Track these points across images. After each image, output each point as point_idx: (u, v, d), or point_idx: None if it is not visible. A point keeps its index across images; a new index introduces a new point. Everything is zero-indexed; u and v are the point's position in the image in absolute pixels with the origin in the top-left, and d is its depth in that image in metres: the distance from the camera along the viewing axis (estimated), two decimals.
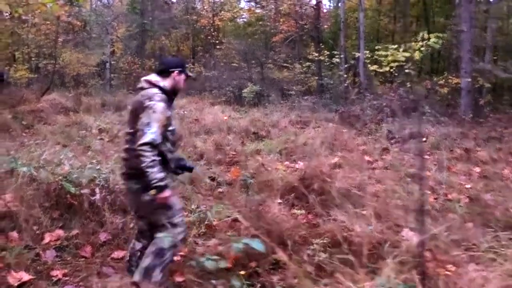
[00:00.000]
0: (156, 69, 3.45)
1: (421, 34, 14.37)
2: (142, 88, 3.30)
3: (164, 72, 3.37)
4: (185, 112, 14.09)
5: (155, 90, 3.23)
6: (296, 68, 21.79)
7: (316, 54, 17.96)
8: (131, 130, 3.19)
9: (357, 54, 16.93)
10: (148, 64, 25.75)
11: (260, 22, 28.33)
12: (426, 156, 9.16)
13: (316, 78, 22.10)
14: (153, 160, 3.01)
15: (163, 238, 3.11)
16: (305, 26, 24.06)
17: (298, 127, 12.97)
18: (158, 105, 3.10)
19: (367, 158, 8.47)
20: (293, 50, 25.19)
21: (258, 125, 12.66)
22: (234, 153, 9.04)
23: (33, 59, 22.50)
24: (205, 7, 28.71)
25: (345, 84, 17.83)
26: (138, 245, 3.44)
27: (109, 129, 10.67)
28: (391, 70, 15.28)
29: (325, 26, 24.97)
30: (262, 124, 12.56)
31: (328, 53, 19.16)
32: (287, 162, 7.72)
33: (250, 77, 20.18)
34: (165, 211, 3.22)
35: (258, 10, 29.32)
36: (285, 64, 22.96)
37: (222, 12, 28.31)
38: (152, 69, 25.76)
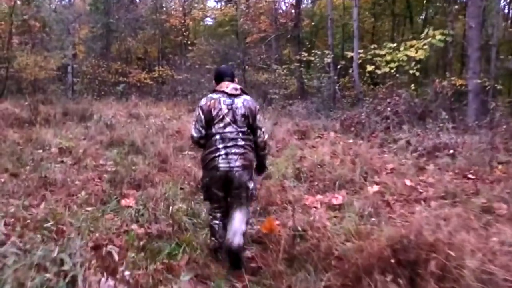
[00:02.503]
0: (229, 78, 3.96)
1: (426, 31, 12.58)
2: (236, 95, 3.79)
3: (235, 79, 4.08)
4: (162, 121, 11.82)
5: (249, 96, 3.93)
6: (277, 70, 19.76)
7: (305, 55, 15.90)
8: (245, 129, 3.75)
9: (350, 54, 15.02)
10: (114, 67, 23.17)
11: (232, 22, 26.26)
12: (470, 175, 7.31)
13: (297, 80, 20.31)
14: None
15: (248, 211, 3.95)
16: (284, 24, 22.17)
17: (297, 137, 10.93)
18: None
19: (407, 182, 6.48)
20: (268, 51, 23.18)
21: None
22: None
23: None
24: (174, 6, 26.31)
25: (336, 87, 15.90)
26: (221, 222, 3.90)
27: (73, 148, 8.34)
28: (391, 70, 13.46)
29: (304, 24, 23.01)
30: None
31: (306, 54, 17.20)
32: (319, 196, 5.64)
33: None
34: (254, 198, 4.15)
35: (230, 10, 27.34)
36: (264, 66, 20.91)
37: (193, 11, 25.99)
38: (118, 72, 23.28)
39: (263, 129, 3.86)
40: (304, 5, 25.10)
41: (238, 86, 3.87)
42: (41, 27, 25.80)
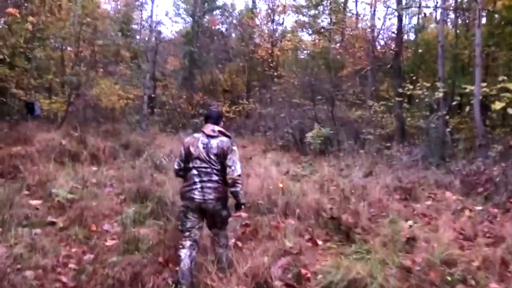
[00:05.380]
0: (212, 120, 4.20)
1: None
2: (213, 136, 4.05)
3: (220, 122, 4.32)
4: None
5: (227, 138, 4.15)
6: (373, 106, 16.43)
7: (409, 87, 12.41)
8: (218, 166, 3.98)
9: (468, 88, 11.39)
10: (195, 98, 21.15)
11: (325, 55, 23.37)
12: None
13: (396, 119, 16.83)
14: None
15: (226, 240, 4.19)
16: (382, 55, 18.93)
17: (399, 197, 7.64)
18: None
19: None
20: (363, 85, 19.89)
21: (334, 194, 7.46)
22: None
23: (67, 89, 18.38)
24: (264, 36, 24.02)
25: (448, 129, 12.28)
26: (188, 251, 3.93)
27: (75, 200, 5.80)
28: None
29: (406, 56, 19.57)
30: (340, 193, 7.33)
31: (411, 86, 13.62)
32: None
33: (315, 117, 14.93)
34: (228, 221, 4.21)
35: (323, 41, 24.60)
36: (357, 101, 17.65)
37: (283, 42, 23.51)
38: (200, 104, 21.25)
39: (232, 167, 3.96)
40: (405, 35, 21.55)
41: (217, 128, 4.13)
42: (131, 57, 24.90)
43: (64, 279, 3.73)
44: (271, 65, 22.01)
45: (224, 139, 4.07)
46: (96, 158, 10.21)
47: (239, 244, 5.04)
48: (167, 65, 25.66)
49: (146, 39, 24.51)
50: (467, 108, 12.30)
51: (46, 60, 16.22)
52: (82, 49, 16.74)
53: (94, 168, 8.87)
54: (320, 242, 5.23)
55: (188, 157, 4.03)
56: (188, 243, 3.94)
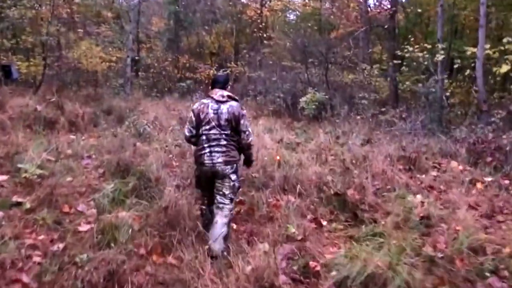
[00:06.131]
0: (220, 85, 4.17)
1: None
2: (223, 101, 4.00)
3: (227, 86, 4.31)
4: None
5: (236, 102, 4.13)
6: (365, 69, 15.68)
7: (408, 49, 11.57)
8: (228, 131, 3.98)
9: (470, 50, 10.67)
10: (181, 61, 20.16)
11: (316, 16, 22.33)
12: None
13: (390, 83, 16.16)
14: None
15: (229, 212, 4.01)
16: (376, 16, 18.06)
17: (402, 168, 7.02)
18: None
19: None
20: (355, 48, 19.00)
21: (333, 165, 6.84)
22: None
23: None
24: None
25: (446, 94, 11.63)
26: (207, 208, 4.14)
27: (46, 176, 5.07)
28: None
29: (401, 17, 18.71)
30: (340, 164, 6.71)
31: (410, 48, 12.78)
32: None
33: (308, 81, 14.13)
34: (236, 189, 4.15)
35: (313, 2, 23.53)
36: (350, 65, 16.85)
37: (272, 1, 22.37)
38: (186, 67, 20.29)
39: (246, 132, 4.06)
40: None
41: (226, 93, 4.09)
42: (113, 17, 23.61)
43: (25, 278, 3.05)
44: (260, 26, 20.97)
45: (234, 103, 4.06)
46: (75, 125, 9.45)
47: (234, 226, 4.41)
48: (151, 26, 24.39)
49: None
50: (467, 72, 11.61)
51: (20, 20, 15.04)
52: (59, 7, 15.57)
53: (72, 137, 8.12)
54: (324, 223, 4.61)
55: (198, 123, 4.03)
56: (206, 201, 4.17)
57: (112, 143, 7.18)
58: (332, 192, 5.26)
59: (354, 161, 6.95)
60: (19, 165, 5.04)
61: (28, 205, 4.40)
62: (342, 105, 12.60)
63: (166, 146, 7.51)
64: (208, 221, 4.05)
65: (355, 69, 16.54)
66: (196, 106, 4.12)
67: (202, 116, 3.99)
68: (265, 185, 5.56)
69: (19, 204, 4.44)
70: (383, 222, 4.53)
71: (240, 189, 4.44)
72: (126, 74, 16.93)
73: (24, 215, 4.23)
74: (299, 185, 5.30)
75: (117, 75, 18.74)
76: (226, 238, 3.91)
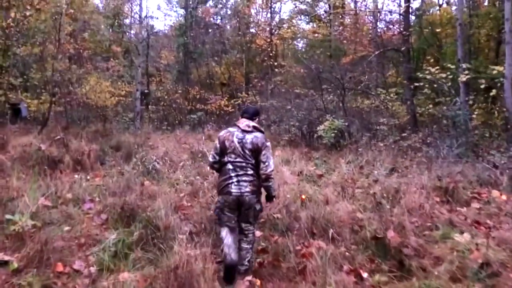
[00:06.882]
0: (248, 115, 4.21)
1: None
2: (248, 131, 4.04)
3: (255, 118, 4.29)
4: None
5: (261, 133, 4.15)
6: (381, 94, 14.99)
7: (431, 71, 10.88)
8: (253, 161, 3.97)
9: (496, 69, 9.95)
10: (191, 93, 19.67)
11: (326, 43, 21.86)
12: None
13: (407, 107, 15.40)
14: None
15: (253, 237, 4.12)
16: (389, 39, 17.49)
17: (439, 201, 6.24)
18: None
19: None
20: (369, 73, 18.37)
21: (362, 199, 6.10)
22: None
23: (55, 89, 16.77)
24: (261, 25, 22.47)
25: (469, 116, 10.83)
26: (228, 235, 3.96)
27: (38, 227, 4.38)
28: None
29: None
30: (371, 198, 5.96)
31: (432, 70, 12.03)
32: None
33: (324, 108, 13.43)
34: (260, 216, 4.36)
35: (323, 29, 23.12)
36: (366, 90, 16.18)
37: (281, 30, 21.96)
38: (197, 99, 19.81)
39: (266, 163, 3.96)
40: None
41: (252, 124, 4.11)
42: (122, 53, 23.48)
43: None
44: (271, 54, 20.50)
45: (259, 134, 4.08)
46: (80, 164, 8.79)
47: (258, 282, 3.67)
48: (161, 59, 24.12)
49: (137, 32, 23.06)
50: (492, 92, 10.86)
51: (27, 57, 14.74)
52: (65, 43, 15.24)
53: (76, 176, 7.46)
54: (365, 275, 3.83)
55: (223, 151, 4.04)
56: (226, 229, 3.99)
57: (118, 183, 6.50)
58: (369, 234, 4.50)
59: (385, 195, 6.19)
60: (7, 217, 4.34)
61: (15, 265, 3.71)
62: (361, 132, 11.91)
63: (177, 183, 6.85)
64: (229, 246, 3.91)
65: (371, 94, 15.90)
66: (222, 133, 4.14)
67: (227, 144, 4.01)
68: (290, 228, 4.83)
69: (5, 263, 3.76)
70: (436, 272, 3.75)
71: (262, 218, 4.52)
72: (135, 108, 16.46)
73: (10, 277, 3.55)
74: (330, 228, 4.55)
75: (127, 109, 18.31)
76: (250, 261, 4.02)
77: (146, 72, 20.24)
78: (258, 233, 4.62)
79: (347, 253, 4.22)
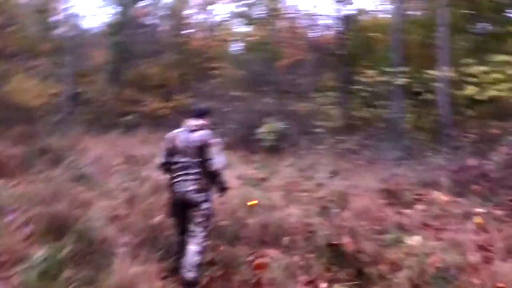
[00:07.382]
0: (195, 115, 4.15)
1: None
2: (193, 130, 4.01)
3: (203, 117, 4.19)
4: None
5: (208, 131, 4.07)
6: (316, 98, 15.05)
7: (369, 74, 11.01)
8: (197, 160, 3.92)
9: (429, 73, 10.20)
10: (124, 94, 18.81)
11: (262, 46, 21.78)
12: None
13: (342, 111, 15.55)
14: None
15: (202, 240, 3.83)
16: (324, 44, 17.63)
17: (386, 203, 6.16)
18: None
19: None
20: (304, 77, 18.44)
21: (307, 203, 5.89)
22: None
23: None
24: (197, 27, 22.02)
25: (405, 119, 11.05)
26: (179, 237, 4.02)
27: None
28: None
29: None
30: (319, 202, 5.76)
31: (370, 72, 12.22)
32: None
33: (263, 110, 13.19)
34: (210, 218, 4.00)
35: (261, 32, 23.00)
36: (302, 94, 16.17)
37: (218, 32, 21.60)
38: (131, 101, 18.98)
39: (212, 160, 3.92)
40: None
41: (198, 123, 4.07)
42: (53, 50, 22.01)
43: None
44: (207, 56, 20.06)
45: (204, 132, 4.05)
46: (2, 170, 7.95)
47: None
48: (92, 59, 22.92)
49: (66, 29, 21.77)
50: (426, 96, 11.16)
51: None
52: None
53: None
54: (324, 285, 3.57)
55: (170, 151, 4.06)
56: (177, 231, 4.06)
57: (45, 189, 5.84)
58: (321, 241, 4.26)
59: (332, 199, 6.02)
60: None
61: None
62: (299, 135, 11.81)
63: (112, 190, 6.30)
64: (177, 256, 3.94)
65: (306, 98, 15.92)
66: (168, 135, 4.16)
67: (173, 145, 4.03)
68: (238, 237, 4.49)
69: None
70: (395, 279, 3.57)
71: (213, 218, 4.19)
72: (65, 109, 15.42)
73: None
74: (281, 235, 4.26)
75: (56, 110, 17.13)
76: (200, 266, 3.79)
77: (77, 72, 19.07)
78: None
79: (301, 262, 3.94)
